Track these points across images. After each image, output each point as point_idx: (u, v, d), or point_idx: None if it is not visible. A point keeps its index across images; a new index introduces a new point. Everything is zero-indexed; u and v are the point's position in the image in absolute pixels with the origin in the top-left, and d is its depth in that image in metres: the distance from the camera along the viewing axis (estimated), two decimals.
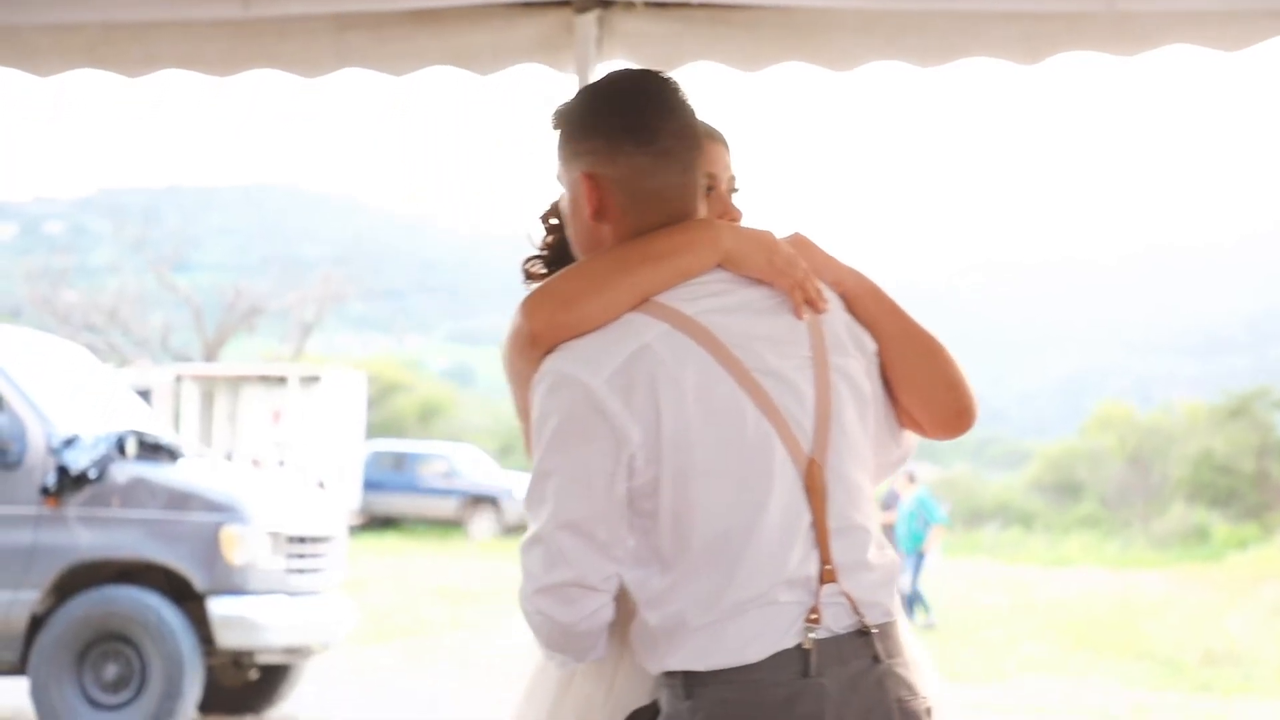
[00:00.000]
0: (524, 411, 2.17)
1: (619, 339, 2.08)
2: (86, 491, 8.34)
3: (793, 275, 2.17)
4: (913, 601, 16.83)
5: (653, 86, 2.21)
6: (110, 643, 8.33)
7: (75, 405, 8.83)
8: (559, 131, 2.23)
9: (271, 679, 9.39)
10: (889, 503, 17.86)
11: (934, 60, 4.02)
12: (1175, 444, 36.05)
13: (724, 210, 2.33)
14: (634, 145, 2.16)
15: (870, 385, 2.21)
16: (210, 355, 32.42)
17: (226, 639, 8.35)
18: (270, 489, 9.40)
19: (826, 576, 2.06)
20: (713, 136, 2.35)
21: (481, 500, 28.67)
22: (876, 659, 2.07)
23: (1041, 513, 36.68)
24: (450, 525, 28.52)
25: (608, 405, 2.05)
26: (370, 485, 27.22)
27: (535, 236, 2.42)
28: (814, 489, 2.08)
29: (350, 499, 24.04)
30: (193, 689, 8.29)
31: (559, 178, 2.25)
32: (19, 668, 8.35)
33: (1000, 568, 24.22)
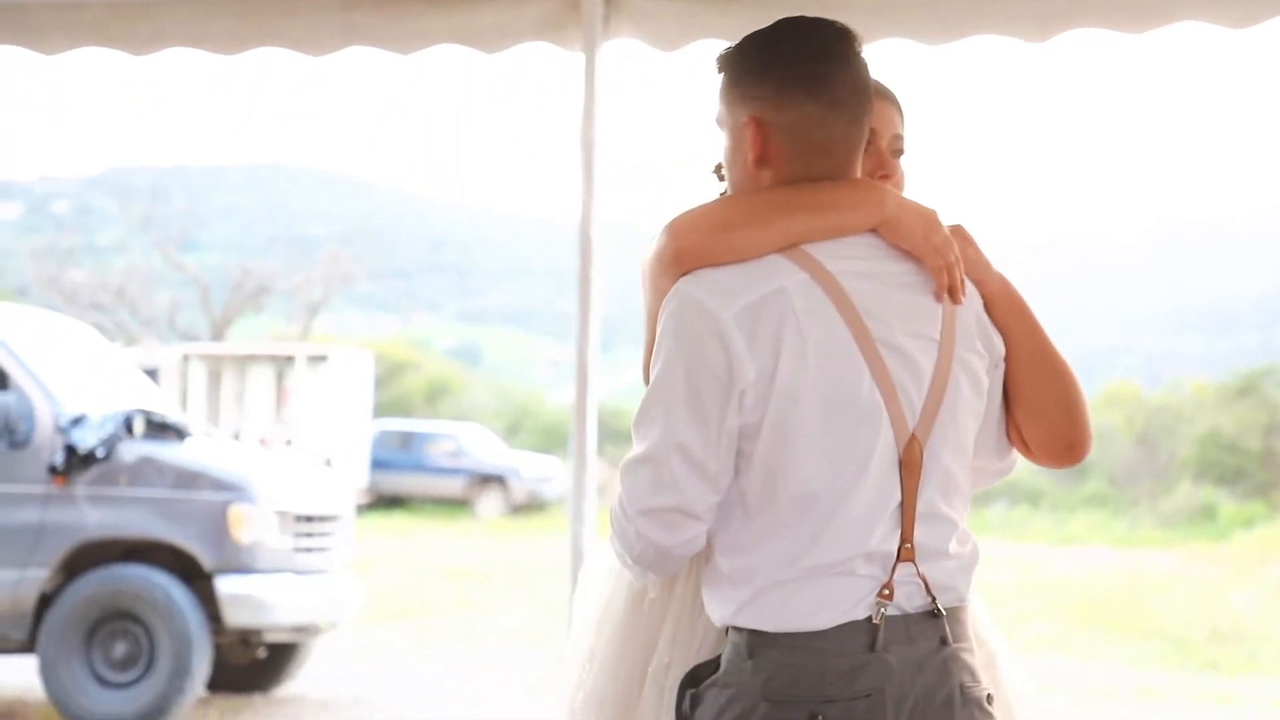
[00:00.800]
0: (654, 327, 2.16)
1: (758, 277, 2.07)
2: (94, 470, 8.35)
3: (945, 256, 2.14)
4: None
5: (829, 36, 2.17)
6: (119, 621, 8.34)
7: (83, 384, 8.84)
8: (724, 74, 2.19)
9: (279, 657, 9.42)
10: None
11: (943, 38, 4.02)
12: (1183, 423, 36.03)
13: (878, 167, 2.28)
14: (806, 95, 2.13)
15: (990, 387, 2.19)
16: (217, 335, 32.43)
17: (234, 617, 8.37)
18: (278, 468, 9.41)
19: (905, 555, 2.06)
20: (881, 94, 2.30)
21: (489, 479, 28.70)
22: (944, 641, 2.07)
23: (1049, 491, 36.68)
24: (457, 504, 28.56)
25: (731, 339, 2.04)
26: (378, 464, 27.25)
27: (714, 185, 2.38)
28: (909, 465, 2.07)
29: (357, 478, 24.06)
30: (201, 667, 8.32)
31: (719, 121, 2.21)
32: (28, 646, 8.37)
33: (1007, 546, 24.22)
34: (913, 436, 2.07)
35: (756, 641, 2.04)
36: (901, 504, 2.07)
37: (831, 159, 2.15)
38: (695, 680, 2.10)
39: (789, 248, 2.09)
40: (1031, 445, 2.24)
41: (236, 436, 21.78)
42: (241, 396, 23.58)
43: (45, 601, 8.34)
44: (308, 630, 8.93)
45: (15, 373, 8.50)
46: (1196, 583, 18.85)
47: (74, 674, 8.26)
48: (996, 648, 2.32)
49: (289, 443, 22.50)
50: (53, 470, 8.31)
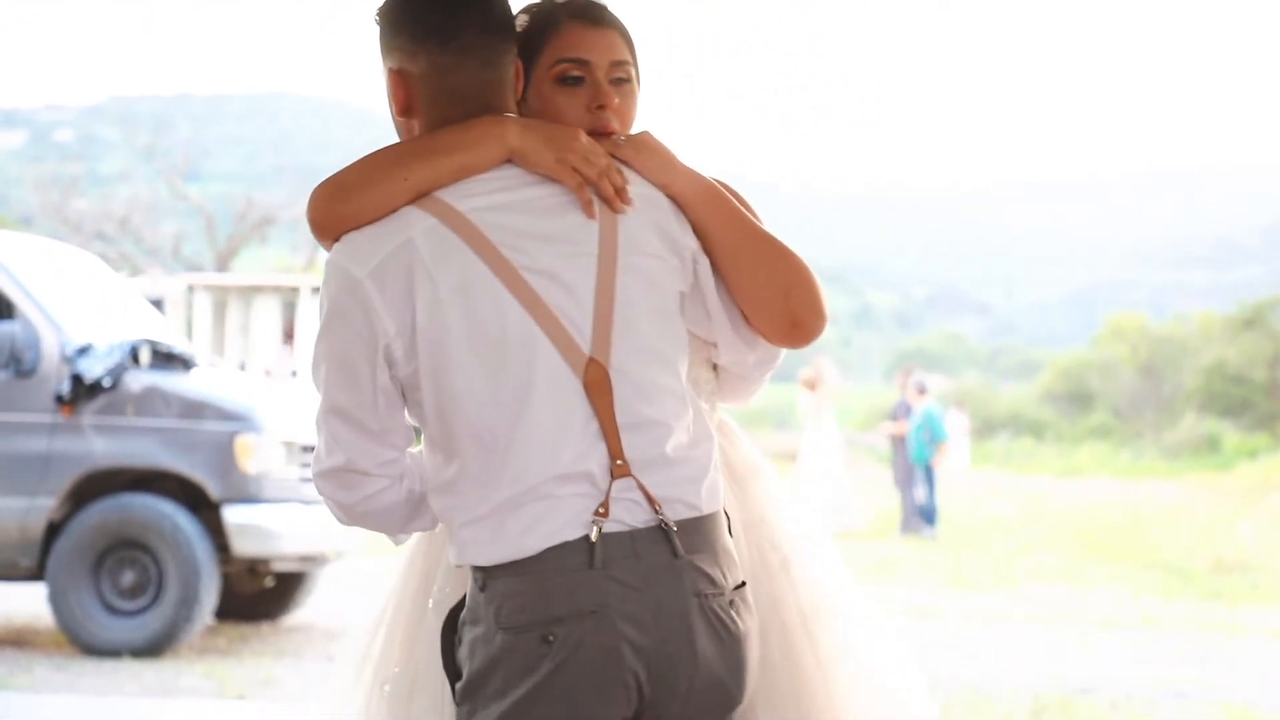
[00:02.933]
0: None
1: (388, 233, 2.12)
2: (100, 400, 8.36)
3: (584, 172, 2.15)
4: (926, 514, 16.85)
5: None
6: (127, 550, 8.38)
7: (88, 314, 8.83)
8: (378, 27, 2.24)
9: (287, 586, 9.47)
10: (899, 413, 17.84)
11: None
12: (1188, 354, 36.04)
13: (594, 98, 2.27)
14: (435, 43, 2.18)
15: (687, 286, 2.21)
16: (222, 265, 32.41)
17: (242, 547, 8.40)
18: (284, 398, 9.42)
19: (618, 472, 2.08)
20: (601, 21, 2.30)
21: None
22: (675, 554, 2.08)
23: (1053, 423, 36.77)
24: None
25: (369, 297, 2.10)
26: None
27: None
28: (594, 386, 2.09)
29: None
30: (209, 595, 8.36)
31: (382, 72, 2.27)
32: (37, 573, 8.42)
33: (1011, 478, 24.31)
34: (590, 360, 2.09)
35: (484, 576, 2.09)
36: (597, 421, 2.08)
37: (468, 103, 2.19)
38: (453, 622, 2.16)
39: (419, 197, 2.13)
40: (758, 328, 2.25)
41: (242, 367, 21.81)
42: (247, 327, 23.59)
43: (53, 530, 8.38)
44: (315, 559, 8.97)
45: (21, 302, 8.50)
46: (1200, 513, 18.92)
47: (83, 601, 8.31)
48: (792, 552, 2.34)
49: (294, 374, 22.54)
50: (59, 399, 8.32)
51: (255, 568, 8.85)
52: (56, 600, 8.32)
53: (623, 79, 2.30)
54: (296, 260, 35.01)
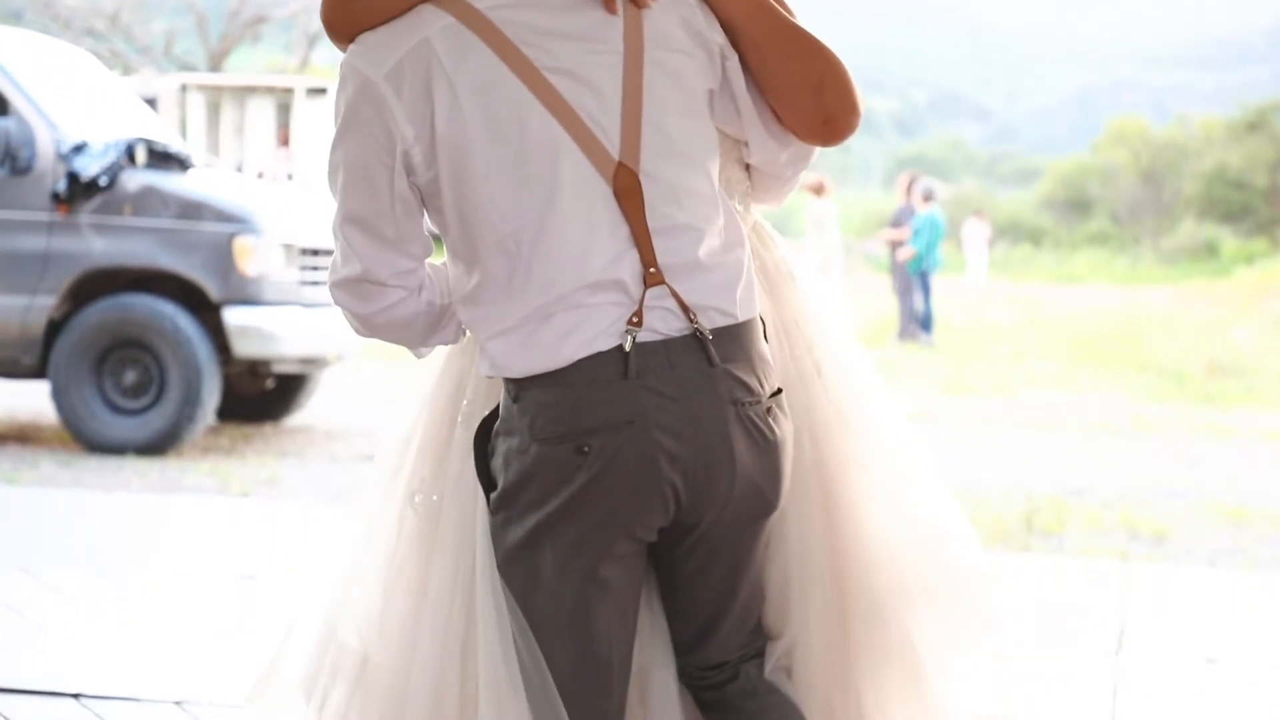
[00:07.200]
0: None
1: (403, 33, 2.05)
2: (97, 199, 8.30)
3: None
4: (923, 320, 16.89)
5: None
6: (128, 349, 8.40)
7: (83, 111, 8.73)
8: None
9: (288, 388, 9.53)
10: (901, 219, 17.73)
11: None
12: (1189, 159, 35.83)
13: None
14: None
15: (716, 83, 2.14)
16: (215, 65, 31.96)
17: (242, 348, 8.43)
18: (282, 200, 9.36)
19: (651, 279, 2.03)
20: None
21: None
22: (711, 362, 2.04)
23: (1051, 230, 36.71)
24: None
25: (385, 100, 2.03)
26: None
27: None
28: (624, 193, 2.03)
29: None
30: (211, 396, 8.41)
31: None
32: (39, 371, 8.46)
33: (1009, 285, 24.35)
34: (620, 165, 2.03)
35: (516, 388, 2.06)
36: (632, 230, 2.03)
37: None
38: (486, 431, 2.13)
39: None
40: (790, 126, 2.18)
41: (238, 169, 21.67)
42: (241, 128, 23.37)
43: (54, 328, 8.39)
44: (315, 362, 9.00)
45: (14, 98, 8.39)
46: (1196, 318, 18.99)
47: (85, 400, 8.36)
48: (825, 356, 2.28)
49: (290, 177, 22.41)
50: (56, 198, 8.27)
51: (256, 369, 8.89)
52: (59, 398, 8.37)
53: None
54: (291, 61, 34.52)
